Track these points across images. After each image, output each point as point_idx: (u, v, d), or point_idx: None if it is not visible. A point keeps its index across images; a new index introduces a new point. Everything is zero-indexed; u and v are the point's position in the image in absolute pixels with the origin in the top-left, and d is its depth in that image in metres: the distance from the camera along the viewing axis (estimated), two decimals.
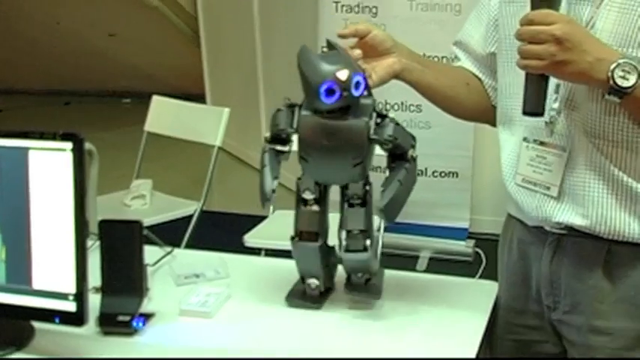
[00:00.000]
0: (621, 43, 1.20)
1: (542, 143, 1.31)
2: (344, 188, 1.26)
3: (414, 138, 1.26)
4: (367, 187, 1.25)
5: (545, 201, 1.31)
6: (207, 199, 2.83)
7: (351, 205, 1.24)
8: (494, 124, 1.49)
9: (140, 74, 5.98)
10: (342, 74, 1.14)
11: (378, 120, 1.22)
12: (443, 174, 3.22)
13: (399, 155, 1.24)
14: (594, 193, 1.25)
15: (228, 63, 4.79)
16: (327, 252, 1.32)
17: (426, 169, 3.18)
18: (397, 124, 1.21)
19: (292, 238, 1.28)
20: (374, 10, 3.13)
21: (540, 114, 1.22)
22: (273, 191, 1.25)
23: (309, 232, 1.27)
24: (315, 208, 1.26)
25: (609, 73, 1.14)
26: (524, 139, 1.34)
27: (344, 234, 1.26)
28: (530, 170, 1.33)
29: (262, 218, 2.70)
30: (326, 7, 3.20)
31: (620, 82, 1.14)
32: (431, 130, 3.08)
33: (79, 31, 5.98)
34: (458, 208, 3.25)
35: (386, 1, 3.12)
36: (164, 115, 3.01)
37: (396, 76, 1.35)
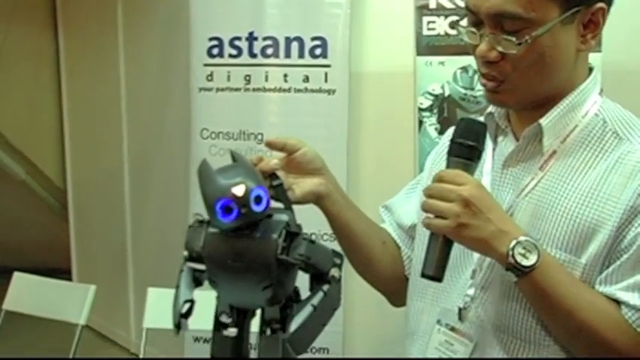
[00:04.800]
0: (536, 237, 1.17)
1: (452, 329, 1.27)
2: (263, 312, 1.12)
3: (339, 256, 1.11)
4: (289, 311, 1.09)
5: None
6: None
7: (273, 331, 1.09)
8: (397, 301, 1.44)
9: (3, 248, 5.75)
10: (239, 190, 1.01)
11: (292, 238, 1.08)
12: (313, 350, 3.20)
13: (320, 276, 1.11)
14: None
15: (97, 238, 4.71)
16: None
17: None
18: (312, 242, 1.07)
19: None
20: None
21: (439, 279, 1.16)
22: (185, 316, 1.11)
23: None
24: (232, 332, 1.11)
25: (510, 249, 1.11)
26: (438, 322, 1.29)
27: None
28: (437, 354, 1.28)
29: None
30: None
31: (519, 259, 1.11)
32: None
33: None
34: None
35: None
36: (25, 293, 2.88)
37: (319, 199, 1.28)
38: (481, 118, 1.34)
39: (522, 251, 1.12)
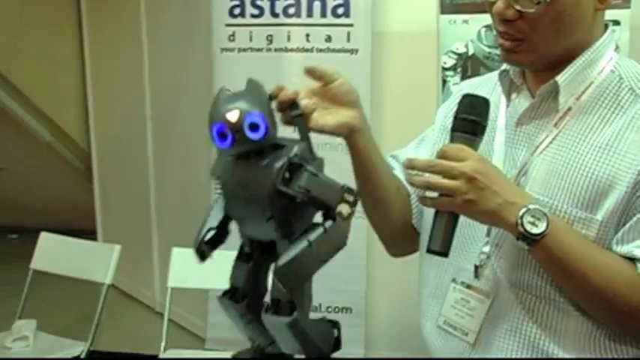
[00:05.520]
0: (551, 194, 1.18)
1: (468, 286, 1.28)
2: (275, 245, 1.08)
3: (352, 192, 1.04)
4: None
5: (460, 347, 1.27)
6: (96, 339, 2.73)
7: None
8: (396, 250, 1.45)
9: (30, 209, 5.83)
10: (232, 115, 0.98)
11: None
12: (337, 309, 3.23)
13: (329, 212, 1.05)
14: (507, 348, 1.22)
15: (121, 199, 4.75)
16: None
17: (320, 304, 3.19)
18: (315, 174, 1.02)
19: (224, 294, 1.10)
20: None
21: (445, 254, 1.16)
22: (208, 243, 1.07)
23: (235, 288, 1.10)
24: (246, 263, 1.10)
25: (518, 218, 1.11)
26: (453, 280, 1.30)
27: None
28: (453, 312, 1.29)
29: (153, 358, 2.62)
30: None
31: (529, 227, 1.11)
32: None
33: None
34: (352, 344, 3.22)
35: None
36: (52, 253, 2.93)
37: (351, 133, 1.26)
38: (495, 74, 1.34)
39: (531, 219, 1.11)
